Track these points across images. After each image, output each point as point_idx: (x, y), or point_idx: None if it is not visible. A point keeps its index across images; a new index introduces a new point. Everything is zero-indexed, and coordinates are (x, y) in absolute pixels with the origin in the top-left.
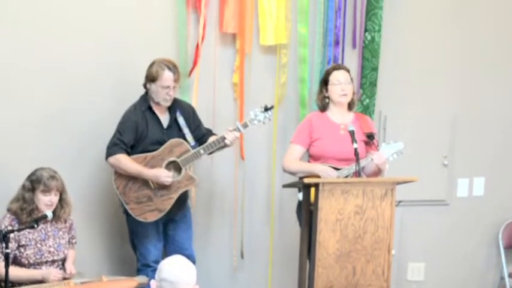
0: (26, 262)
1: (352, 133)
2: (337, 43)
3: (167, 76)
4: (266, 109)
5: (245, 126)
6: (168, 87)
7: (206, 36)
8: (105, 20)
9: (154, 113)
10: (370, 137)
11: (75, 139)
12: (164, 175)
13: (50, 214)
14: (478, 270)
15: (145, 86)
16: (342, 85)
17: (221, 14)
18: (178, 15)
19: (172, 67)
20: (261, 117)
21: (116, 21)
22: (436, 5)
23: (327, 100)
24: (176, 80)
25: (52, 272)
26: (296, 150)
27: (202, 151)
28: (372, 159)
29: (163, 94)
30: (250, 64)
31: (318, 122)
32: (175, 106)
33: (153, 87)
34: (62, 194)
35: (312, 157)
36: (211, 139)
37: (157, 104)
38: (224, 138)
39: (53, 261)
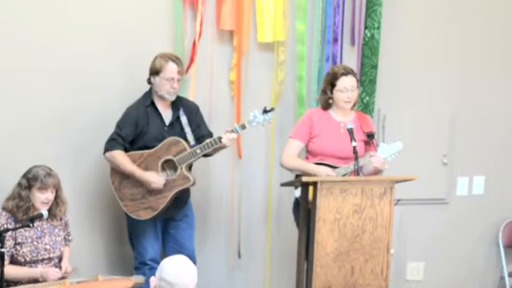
0: (23, 260)
1: (350, 131)
2: (335, 40)
3: (171, 68)
4: (266, 111)
5: (243, 127)
6: (172, 79)
7: (203, 33)
8: (102, 18)
9: (156, 109)
10: (370, 136)
11: (76, 138)
12: (155, 181)
13: (45, 213)
14: (478, 269)
15: (149, 81)
16: (349, 93)
17: (218, 11)
18: (175, 12)
19: (176, 59)
20: (260, 119)
21: (112, 19)
22: (436, 2)
23: (330, 101)
24: (180, 72)
25: (50, 271)
26: (295, 146)
27: (198, 150)
28: (371, 161)
29: (167, 87)
30: (248, 61)
31: (319, 119)
32: (180, 104)
33: (157, 80)
34: (57, 191)
35: (310, 153)
36: (208, 139)
37: (161, 98)
38: (220, 138)
39: (50, 259)
